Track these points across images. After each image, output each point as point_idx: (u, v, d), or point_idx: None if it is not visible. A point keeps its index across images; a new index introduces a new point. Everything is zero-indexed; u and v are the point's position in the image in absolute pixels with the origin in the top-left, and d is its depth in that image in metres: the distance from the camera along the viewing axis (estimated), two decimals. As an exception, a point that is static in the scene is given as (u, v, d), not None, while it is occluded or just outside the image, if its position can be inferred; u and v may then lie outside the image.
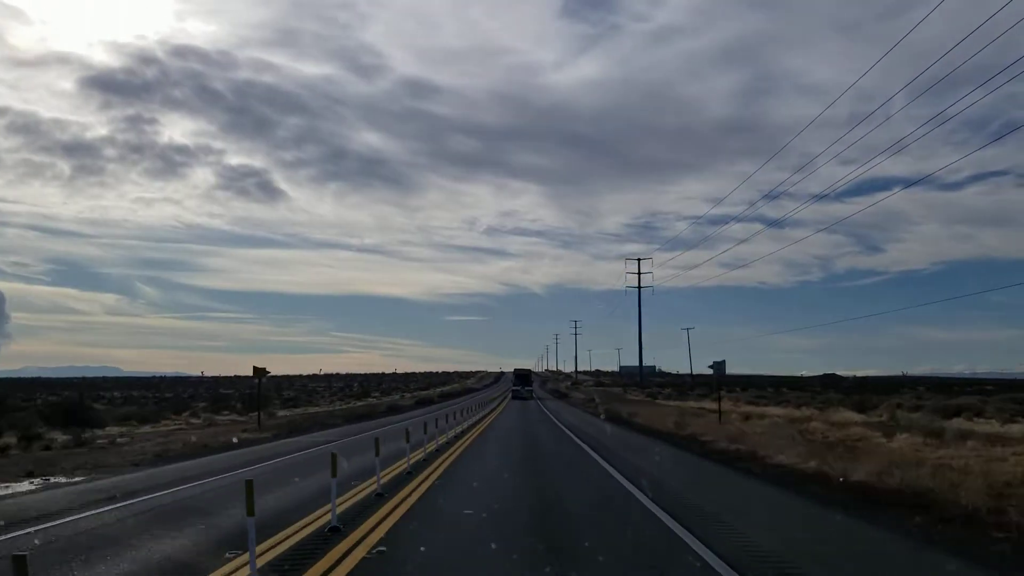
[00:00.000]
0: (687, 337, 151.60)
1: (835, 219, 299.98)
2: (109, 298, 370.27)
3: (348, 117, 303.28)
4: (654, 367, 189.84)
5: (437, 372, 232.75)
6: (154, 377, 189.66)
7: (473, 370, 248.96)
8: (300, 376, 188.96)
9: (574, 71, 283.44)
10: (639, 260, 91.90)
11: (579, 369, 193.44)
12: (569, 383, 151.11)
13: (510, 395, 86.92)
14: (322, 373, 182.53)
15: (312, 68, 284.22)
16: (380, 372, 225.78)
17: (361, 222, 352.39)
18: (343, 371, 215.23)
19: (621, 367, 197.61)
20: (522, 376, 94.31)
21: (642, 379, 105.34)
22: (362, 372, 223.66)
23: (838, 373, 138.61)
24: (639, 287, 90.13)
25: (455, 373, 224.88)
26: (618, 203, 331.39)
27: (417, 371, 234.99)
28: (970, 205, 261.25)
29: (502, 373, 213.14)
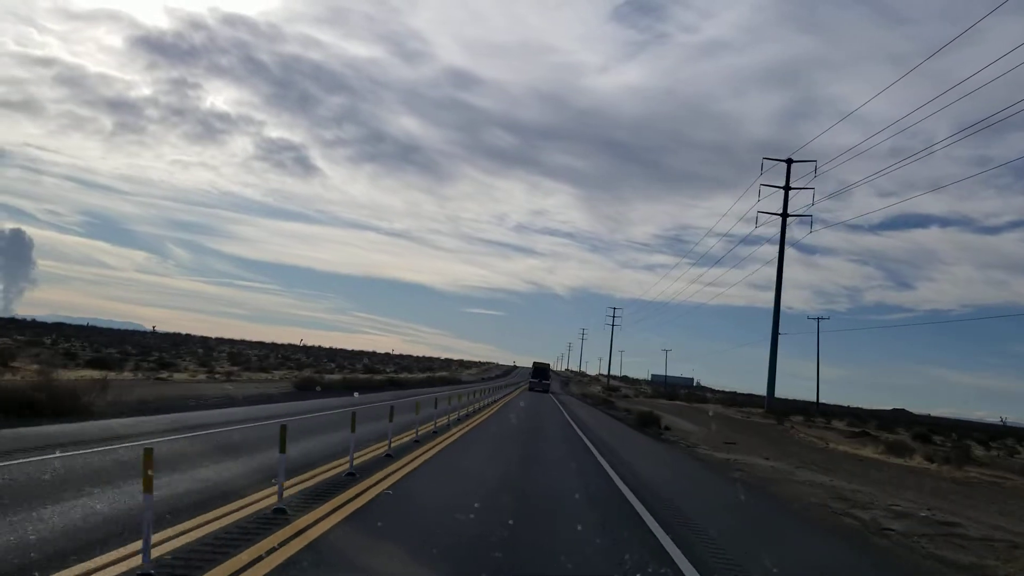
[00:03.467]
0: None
1: (867, 250, 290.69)
2: (139, 255, 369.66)
3: (389, 101, 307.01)
4: (692, 380, 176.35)
5: (437, 358, 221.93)
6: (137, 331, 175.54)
7: (481, 360, 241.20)
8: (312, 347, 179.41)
9: (617, 76, 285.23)
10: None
11: (607, 373, 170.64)
12: (599, 387, 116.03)
13: (526, 385, 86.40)
14: (301, 344, 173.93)
15: (359, 49, 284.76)
16: (373, 351, 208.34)
17: (392, 206, 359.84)
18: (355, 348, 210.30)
19: (652, 375, 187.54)
20: (540, 370, 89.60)
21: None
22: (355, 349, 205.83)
23: (908, 409, 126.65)
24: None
25: (457, 361, 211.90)
26: (649, 212, 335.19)
27: (436, 357, 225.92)
28: (1007, 251, 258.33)
29: (513, 367, 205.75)
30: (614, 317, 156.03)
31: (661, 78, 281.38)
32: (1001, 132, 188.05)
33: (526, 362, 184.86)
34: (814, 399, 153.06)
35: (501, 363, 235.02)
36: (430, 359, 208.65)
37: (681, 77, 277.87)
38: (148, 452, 5.92)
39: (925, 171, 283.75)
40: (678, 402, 75.81)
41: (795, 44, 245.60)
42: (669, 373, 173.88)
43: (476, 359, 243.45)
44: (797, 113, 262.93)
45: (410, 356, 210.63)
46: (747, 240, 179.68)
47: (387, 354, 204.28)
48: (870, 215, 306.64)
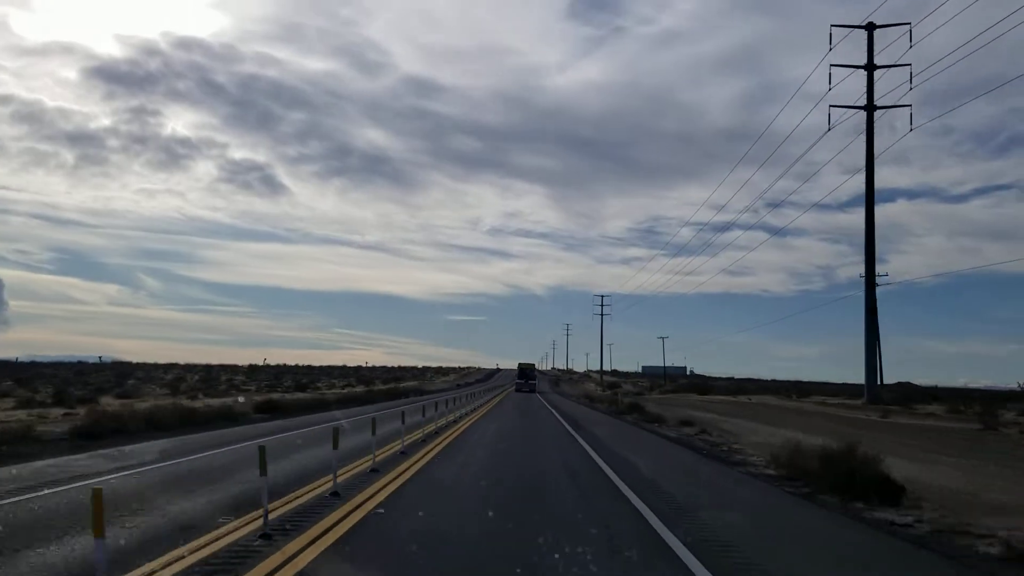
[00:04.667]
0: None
1: (837, 228, 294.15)
2: (111, 288, 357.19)
3: (351, 113, 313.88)
4: (685, 368, 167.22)
5: (414, 367, 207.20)
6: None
7: (462, 366, 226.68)
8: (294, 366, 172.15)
9: (577, 73, 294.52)
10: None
11: (593, 369, 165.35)
12: (594, 385, 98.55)
13: (511, 388, 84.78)
14: (264, 363, 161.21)
15: (316, 63, 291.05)
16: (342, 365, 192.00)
17: (363, 219, 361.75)
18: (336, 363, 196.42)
19: (644, 367, 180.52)
20: (525, 371, 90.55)
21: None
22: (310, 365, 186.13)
23: (913, 382, 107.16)
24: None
25: (434, 369, 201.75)
26: (621, 207, 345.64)
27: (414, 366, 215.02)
28: (974, 218, 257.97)
29: (496, 370, 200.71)
30: (603, 306, 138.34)
31: (621, 72, 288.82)
32: (960, 100, 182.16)
33: (509, 364, 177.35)
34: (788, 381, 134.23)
35: (484, 367, 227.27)
36: (406, 369, 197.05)
37: (641, 70, 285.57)
38: None
39: (889, 144, 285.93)
40: (718, 397, 57.87)
41: (752, 27, 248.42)
42: (659, 364, 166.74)
43: (458, 365, 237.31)
44: (759, 97, 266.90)
45: (384, 367, 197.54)
46: (718, 227, 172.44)
47: (359, 367, 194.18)
48: (838, 193, 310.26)
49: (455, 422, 28.33)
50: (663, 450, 20.76)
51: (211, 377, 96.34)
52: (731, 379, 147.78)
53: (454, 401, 36.52)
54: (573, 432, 25.32)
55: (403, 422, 18.65)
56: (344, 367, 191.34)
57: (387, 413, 29.38)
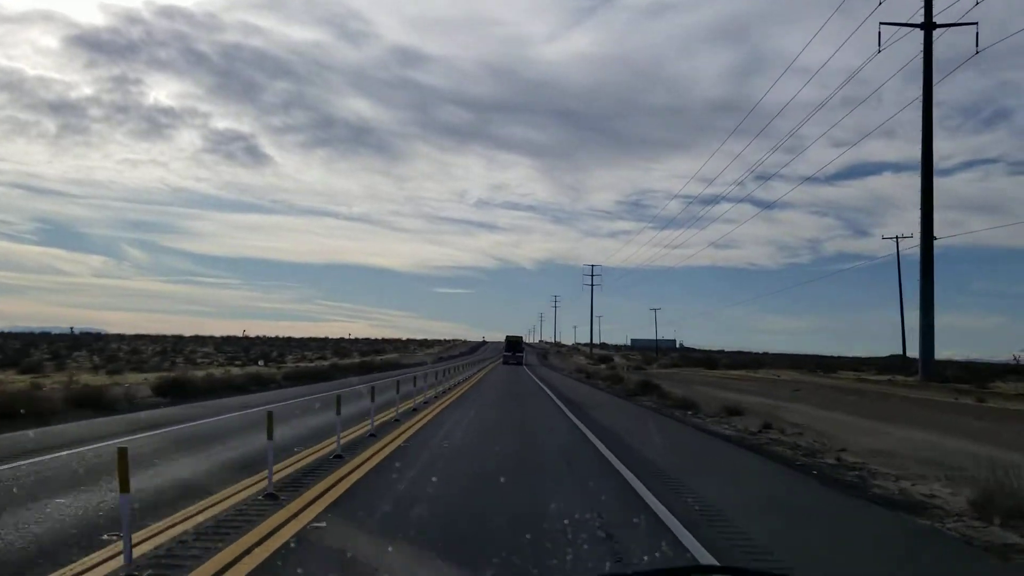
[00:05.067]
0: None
1: (825, 201, 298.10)
2: (95, 259, 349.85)
3: (336, 84, 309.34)
4: (674, 341, 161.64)
5: (399, 339, 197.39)
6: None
7: (447, 338, 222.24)
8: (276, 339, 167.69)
9: (566, 44, 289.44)
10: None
11: (581, 342, 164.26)
12: (583, 358, 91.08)
13: (498, 360, 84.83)
14: (244, 335, 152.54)
15: (301, 33, 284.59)
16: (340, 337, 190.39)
17: (349, 190, 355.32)
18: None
19: (633, 340, 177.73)
20: (513, 343, 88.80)
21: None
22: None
23: (907, 355, 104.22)
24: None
25: (418, 341, 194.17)
26: (609, 179, 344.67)
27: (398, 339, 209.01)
28: (960, 191, 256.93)
29: (482, 343, 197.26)
30: (592, 276, 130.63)
31: (610, 44, 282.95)
32: (949, 71, 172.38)
33: (496, 337, 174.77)
34: (770, 353, 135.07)
35: (470, 340, 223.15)
36: (389, 341, 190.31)
37: (630, 41, 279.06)
38: None
39: (876, 117, 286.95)
40: (733, 372, 50.21)
41: None
42: (648, 336, 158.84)
43: (445, 337, 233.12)
44: (749, 69, 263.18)
45: (366, 339, 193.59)
46: (706, 200, 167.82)
47: (340, 339, 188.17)
48: (825, 166, 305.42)
49: (423, 406, 20.64)
50: (748, 471, 12.48)
51: (176, 349, 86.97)
52: (723, 351, 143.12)
53: (433, 376, 30.27)
54: (584, 429, 17.19)
55: (338, 412, 12.98)
56: (326, 339, 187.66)
57: (334, 396, 21.64)
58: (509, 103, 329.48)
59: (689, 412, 22.20)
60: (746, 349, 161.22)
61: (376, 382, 24.13)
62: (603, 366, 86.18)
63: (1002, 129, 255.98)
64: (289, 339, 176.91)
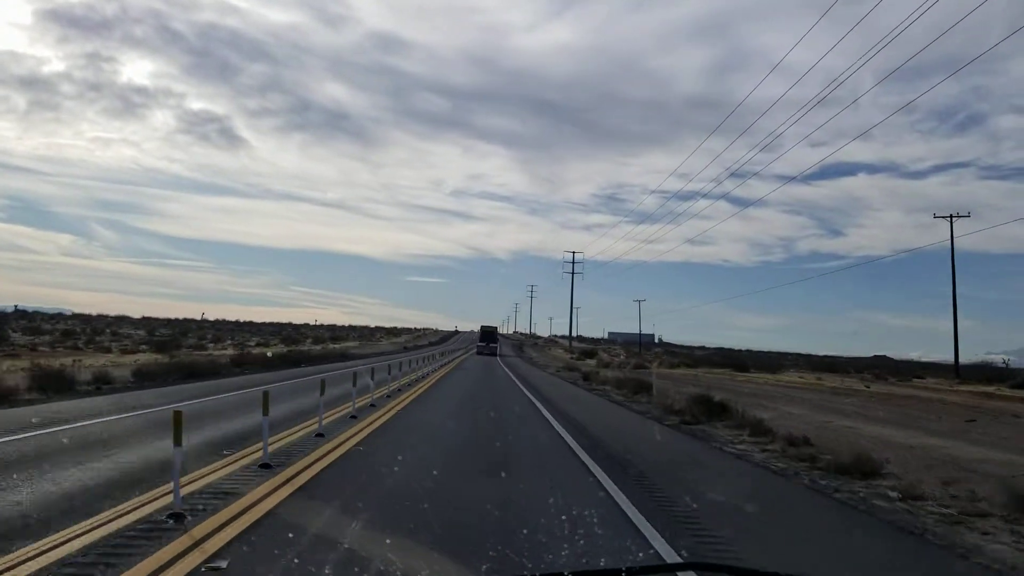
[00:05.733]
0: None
1: (799, 201, 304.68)
2: (64, 238, 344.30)
3: (314, 68, 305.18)
4: (653, 335, 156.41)
5: (367, 327, 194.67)
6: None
7: (418, 327, 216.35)
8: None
9: (546, 35, 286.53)
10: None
11: (558, 334, 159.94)
12: (563, 351, 79.63)
13: (470, 353, 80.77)
14: (202, 318, 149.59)
15: (278, 15, 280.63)
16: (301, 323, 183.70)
17: (324, 176, 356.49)
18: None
19: (611, 333, 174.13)
20: (488, 333, 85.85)
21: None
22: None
23: (888, 355, 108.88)
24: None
25: (387, 329, 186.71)
26: (585, 172, 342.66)
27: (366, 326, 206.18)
28: (932, 194, 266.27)
29: (454, 332, 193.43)
30: (574, 263, 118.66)
31: (590, 35, 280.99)
32: (925, 76, 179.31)
33: (468, 327, 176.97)
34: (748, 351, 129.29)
35: (441, 329, 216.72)
36: (357, 328, 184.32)
37: (610, 34, 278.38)
38: None
39: (852, 119, 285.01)
40: (757, 377, 38.62)
41: None
42: (624, 330, 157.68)
43: (416, 326, 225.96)
44: (727, 66, 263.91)
45: (334, 326, 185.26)
46: (682, 196, 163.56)
47: (305, 324, 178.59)
48: (800, 165, 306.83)
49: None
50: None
51: (96, 331, 75.82)
52: (704, 348, 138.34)
53: (387, 370, 23.26)
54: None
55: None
56: (288, 324, 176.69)
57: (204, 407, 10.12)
58: (487, 92, 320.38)
59: (860, 479, 10.25)
60: (723, 345, 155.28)
61: (280, 383, 13.10)
62: (591, 362, 74.60)
63: (975, 134, 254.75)
64: (250, 323, 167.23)
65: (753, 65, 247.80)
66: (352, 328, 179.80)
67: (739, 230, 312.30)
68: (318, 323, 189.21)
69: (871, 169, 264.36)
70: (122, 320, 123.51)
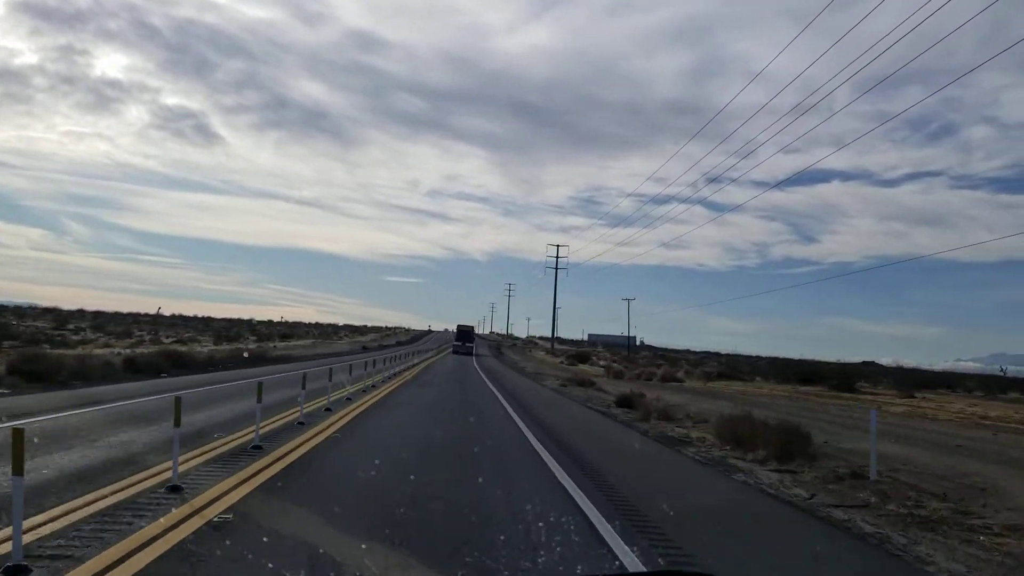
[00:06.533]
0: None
1: (774, 206, 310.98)
2: (34, 232, 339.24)
3: (291, 65, 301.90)
4: (633, 338, 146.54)
5: (334, 324, 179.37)
6: None
7: (389, 326, 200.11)
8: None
9: (525, 37, 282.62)
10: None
11: (535, 335, 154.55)
12: (545, 353, 66.89)
13: (442, 353, 74.17)
14: (159, 312, 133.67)
15: (256, 11, 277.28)
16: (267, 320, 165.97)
17: (300, 174, 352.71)
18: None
19: (590, 335, 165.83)
20: (464, 333, 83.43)
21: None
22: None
23: (878, 361, 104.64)
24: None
25: (346, 327, 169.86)
26: (562, 175, 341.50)
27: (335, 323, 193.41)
28: (904, 203, 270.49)
29: (428, 331, 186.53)
30: (557, 259, 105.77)
31: (569, 38, 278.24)
32: (898, 86, 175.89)
33: (441, 326, 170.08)
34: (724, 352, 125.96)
35: (414, 328, 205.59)
36: (322, 326, 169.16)
37: (589, 37, 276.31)
38: None
39: (827, 127, 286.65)
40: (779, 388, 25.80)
41: (700, 1, 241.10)
42: (603, 331, 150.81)
43: (386, 325, 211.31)
44: (704, 72, 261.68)
45: (301, 323, 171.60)
46: (659, 200, 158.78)
47: (269, 321, 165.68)
48: (776, 171, 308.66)
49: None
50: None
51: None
52: (690, 351, 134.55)
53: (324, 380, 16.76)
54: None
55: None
56: (251, 321, 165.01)
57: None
58: (466, 93, 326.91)
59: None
60: (700, 348, 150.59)
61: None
62: (586, 367, 61.54)
63: (947, 143, 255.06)
64: (208, 319, 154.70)
65: (729, 71, 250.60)
66: (317, 326, 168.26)
67: (714, 235, 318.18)
68: (283, 320, 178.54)
69: (844, 176, 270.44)
70: (80, 313, 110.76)
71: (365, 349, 70.01)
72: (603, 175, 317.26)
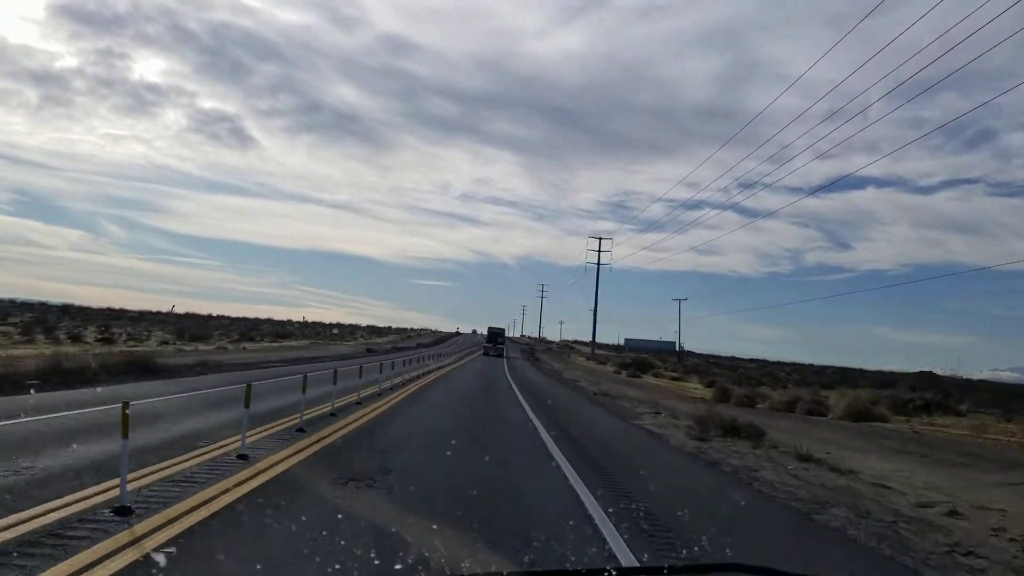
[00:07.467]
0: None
1: (807, 213, 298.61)
2: (73, 233, 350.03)
3: (324, 69, 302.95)
4: (675, 344, 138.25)
5: (358, 325, 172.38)
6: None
7: (416, 327, 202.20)
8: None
9: (556, 41, 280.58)
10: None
11: (569, 339, 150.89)
12: (584, 358, 53.09)
13: (472, 357, 70.60)
14: (172, 310, 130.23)
15: (291, 15, 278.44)
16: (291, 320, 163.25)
17: (332, 177, 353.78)
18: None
19: (627, 340, 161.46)
20: (494, 335, 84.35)
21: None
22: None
23: (936, 372, 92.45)
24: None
25: (366, 328, 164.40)
26: (592, 179, 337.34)
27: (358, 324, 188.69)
28: (940, 210, 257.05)
29: (455, 333, 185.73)
30: (599, 251, 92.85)
31: (600, 42, 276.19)
32: (933, 93, 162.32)
33: (469, 328, 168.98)
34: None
35: (441, 330, 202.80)
36: (341, 326, 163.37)
37: (620, 41, 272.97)
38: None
39: (861, 133, 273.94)
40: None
41: (733, 5, 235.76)
42: (639, 337, 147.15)
43: (414, 327, 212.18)
44: (736, 76, 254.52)
45: (321, 324, 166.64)
46: (689, 205, 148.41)
47: (289, 321, 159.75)
48: (810, 178, 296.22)
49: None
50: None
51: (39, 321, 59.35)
52: (735, 358, 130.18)
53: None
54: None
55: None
56: (270, 320, 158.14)
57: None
58: (497, 97, 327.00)
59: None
60: (742, 356, 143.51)
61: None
62: (648, 377, 47.94)
63: (984, 150, 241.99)
64: (221, 317, 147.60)
65: (761, 76, 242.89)
66: (337, 326, 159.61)
67: (746, 240, 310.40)
68: (304, 320, 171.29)
69: (879, 183, 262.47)
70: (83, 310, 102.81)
71: (370, 352, 57.28)
72: (633, 180, 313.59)
